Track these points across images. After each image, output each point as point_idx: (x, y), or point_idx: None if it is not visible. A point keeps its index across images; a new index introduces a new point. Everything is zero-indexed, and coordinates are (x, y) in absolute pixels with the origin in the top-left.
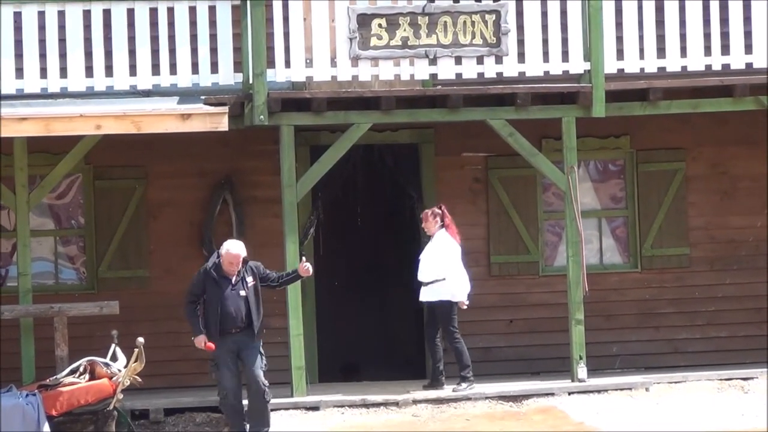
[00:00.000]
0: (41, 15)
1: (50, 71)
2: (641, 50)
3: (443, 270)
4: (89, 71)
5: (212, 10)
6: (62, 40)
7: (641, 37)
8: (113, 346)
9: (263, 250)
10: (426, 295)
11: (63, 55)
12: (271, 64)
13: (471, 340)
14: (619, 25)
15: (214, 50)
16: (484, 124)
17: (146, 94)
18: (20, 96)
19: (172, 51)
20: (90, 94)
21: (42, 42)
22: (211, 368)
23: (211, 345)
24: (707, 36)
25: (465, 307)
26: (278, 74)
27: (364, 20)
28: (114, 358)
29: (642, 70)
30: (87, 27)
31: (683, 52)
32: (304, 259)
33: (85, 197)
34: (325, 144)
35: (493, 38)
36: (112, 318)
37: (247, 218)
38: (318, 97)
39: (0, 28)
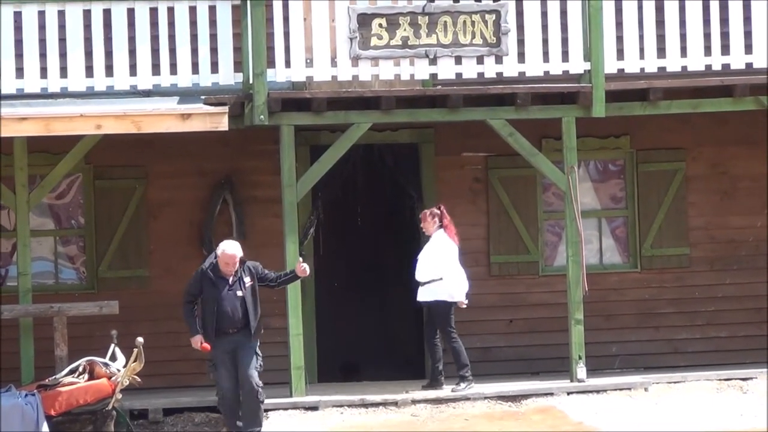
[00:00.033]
0: (41, 15)
1: (50, 71)
2: (641, 50)
3: (440, 270)
4: (89, 71)
5: (212, 9)
6: (62, 40)
7: (641, 37)
8: (112, 345)
9: (263, 249)
10: (423, 295)
11: (63, 55)
12: (271, 64)
13: (470, 339)
14: (619, 24)
15: (214, 50)
16: (484, 124)
17: (146, 94)
18: (20, 96)
19: (173, 51)
20: (90, 94)
21: (42, 42)
22: (209, 368)
23: (207, 346)
24: (707, 36)
25: (464, 306)
26: (278, 74)
27: (364, 20)
28: (113, 358)
29: (642, 70)
30: (87, 27)
31: (683, 52)
32: (301, 259)
33: (85, 197)
34: (325, 144)
35: (493, 38)
36: (112, 318)
37: (247, 218)
38: (318, 96)
39: (0, 28)
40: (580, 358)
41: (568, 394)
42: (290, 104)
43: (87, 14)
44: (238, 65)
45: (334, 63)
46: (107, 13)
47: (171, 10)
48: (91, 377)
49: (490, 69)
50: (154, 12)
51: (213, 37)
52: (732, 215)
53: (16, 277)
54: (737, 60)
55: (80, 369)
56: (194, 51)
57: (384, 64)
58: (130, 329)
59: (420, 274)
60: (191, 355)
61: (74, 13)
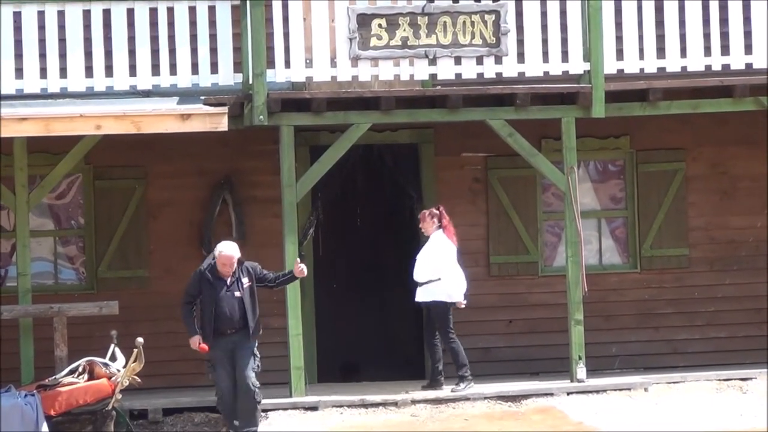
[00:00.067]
0: (41, 15)
1: (50, 71)
2: (641, 50)
3: (438, 270)
4: (89, 71)
5: (212, 10)
6: (62, 40)
7: (641, 38)
8: (112, 346)
9: (263, 250)
10: (421, 296)
11: (63, 55)
12: (270, 64)
13: (470, 340)
14: (618, 25)
15: (213, 50)
16: (483, 125)
17: (146, 94)
18: (20, 96)
19: (172, 51)
20: (90, 95)
21: (42, 42)
22: (209, 369)
23: (205, 346)
24: (707, 36)
25: (462, 306)
26: (278, 74)
27: (363, 20)
28: (113, 358)
29: (642, 70)
30: (87, 27)
31: (683, 52)
32: (299, 260)
33: (84, 197)
34: (325, 144)
35: (492, 38)
36: (112, 318)
37: (247, 218)
38: (318, 97)
39: (0, 28)
40: (579, 358)
41: (568, 394)
42: (290, 104)
43: (87, 14)
44: (238, 65)
45: (333, 63)
46: (107, 14)
47: (171, 11)
48: (91, 377)
49: (489, 69)
50: (153, 12)
51: (213, 37)
52: (732, 215)
53: (15, 277)
54: (737, 60)
55: (80, 369)
56: (194, 51)
57: (383, 64)
58: (129, 329)
59: (418, 275)
60: (191, 356)
61: (74, 14)
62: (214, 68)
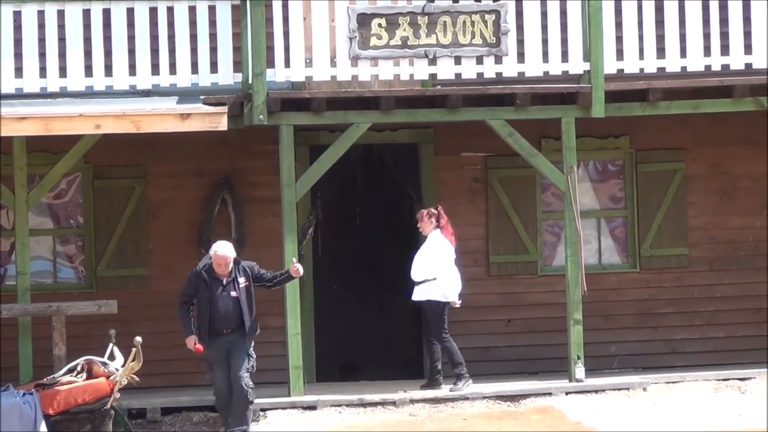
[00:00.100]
0: (41, 14)
1: (50, 70)
2: (641, 50)
3: (434, 270)
4: (89, 71)
5: (212, 9)
6: (62, 40)
7: (641, 38)
8: (111, 345)
9: (262, 249)
10: (418, 295)
11: (62, 55)
12: (270, 63)
13: (469, 339)
14: (618, 25)
15: (213, 50)
16: (483, 124)
17: (146, 93)
18: (20, 95)
19: (172, 51)
20: (89, 94)
21: (41, 41)
22: (206, 369)
23: (200, 347)
24: (707, 36)
25: (457, 306)
26: (278, 74)
27: (363, 20)
28: (112, 357)
29: (641, 70)
30: (86, 26)
31: (683, 52)
32: (294, 260)
33: (84, 196)
34: (325, 144)
35: (492, 38)
36: (111, 317)
37: (246, 218)
38: (317, 96)
39: (0, 27)
40: (578, 358)
41: (567, 394)
42: (289, 104)
43: (86, 14)
44: (238, 65)
45: (333, 63)
46: (107, 13)
47: (170, 10)
48: (90, 376)
49: (489, 69)
50: (153, 12)
51: (212, 36)
52: (731, 215)
53: (14, 276)
54: (737, 60)
55: (78, 368)
56: (193, 51)
57: (383, 64)
58: (128, 328)
59: (415, 274)
60: (190, 355)
61: (74, 13)
62: (213, 68)
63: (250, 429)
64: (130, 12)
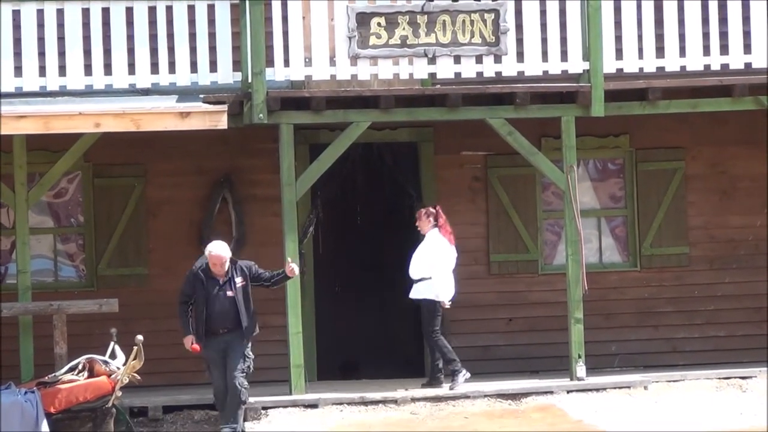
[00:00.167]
0: (40, 13)
1: (49, 69)
2: (640, 50)
3: (430, 269)
4: (88, 69)
5: (211, 8)
6: (61, 39)
7: (640, 37)
8: (112, 343)
9: (262, 248)
10: (415, 293)
11: (62, 54)
12: (270, 62)
13: (470, 338)
14: (618, 24)
15: (213, 49)
16: (483, 123)
17: (145, 92)
18: (19, 94)
19: (171, 49)
20: (89, 92)
21: (41, 40)
22: (205, 368)
23: (197, 347)
24: (706, 35)
25: (447, 306)
26: (277, 73)
27: (363, 19)
28: (113, 356)
29: (641, 69)
30: (86, 25)
31: (682, 51)
32: (290, 260)
33: (84, 195)
34: (325, 142)
35: (492, 37)
36: (111, 316)
37: (247, 217)
38: (317, 95)
39: None
40: (579, 356)
41: (568, 392)
42: (289, 103)
43: (86, 13)
44: (237, 64)
45: (333, 62)
46: (106, 12)
47: (170, 9)
48: (91, 375)
49: (489, 68)
50: (152, 11)
51: (212, 35)
52: (731, 214)
53: (15, 274)
54: (736, 60)
55: (80, 367)
56: (193, 50)
57: (383, 63)
58: (129, 327)
59: (412, 272)
60: (190, 353)
61: (73, 12)
62: (213, 67)
63: (240, 428)
64: (129, 11)
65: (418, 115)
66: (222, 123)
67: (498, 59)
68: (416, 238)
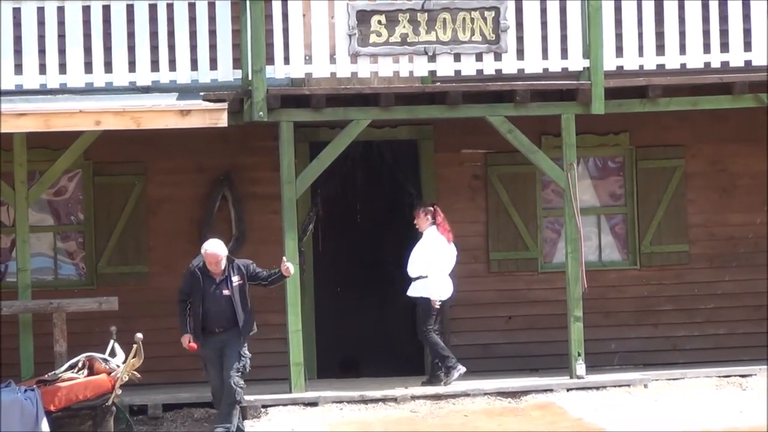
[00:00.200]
0: (40, 11)
1: (49, 67)
2: (640, 48)
3: (426, 267)
4: (88, 67)
5: (211, 6)
6: (61, 36)
7: (640, 35)
8: (112, 341)
9: (262, 246)
10: (411, 290)
11: (62, 51)
12: (270, 60)
13: (470, 336)
14: (618, 22)
15: (213, 47)
16: (483, 121)
17: (145, 90)
18: (19, 92)
19: (172, 47)
20: (89, 90)
21: (41, 38)
22: (203, 366)
23: (194, 345)
24: (706, 33)
25: (437, 306)
26: (277, 71)
27: (363, 17)
28: (113, 354)
29: (641, 67)
30: (86, 23)
31: (682, 49)
32: (285, 259)
33: (84, 193)
34: (325, 140)
35: (492, 35)
36: (111, 314)
37: (247, 214)
38: (317, 93)
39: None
40: (579, 354)
41: (568, 390)
42: (289, 101)
43: (86, 10)
44: (237, 62)
45: (333, 60)
46: (106, 10)
47: (170, 7)
48: (91, 373)
49: (489, 66)
50: (153, 8)
51: (212, 33)
52: (731, 212)
53: (15, 273)
54: (736, 57)
55: (80, 365)
56: (193, 47)
57: (383, 60)
58: (129, 325)
59: (410, 270)
60: (190, 352)
61: (73, 10)
62: (213, 64)
63: (233, 428)
64: (130, 9)
65: (418, 113)
66: (222, 121)
67: (498, 57)
68: (416, 236)
